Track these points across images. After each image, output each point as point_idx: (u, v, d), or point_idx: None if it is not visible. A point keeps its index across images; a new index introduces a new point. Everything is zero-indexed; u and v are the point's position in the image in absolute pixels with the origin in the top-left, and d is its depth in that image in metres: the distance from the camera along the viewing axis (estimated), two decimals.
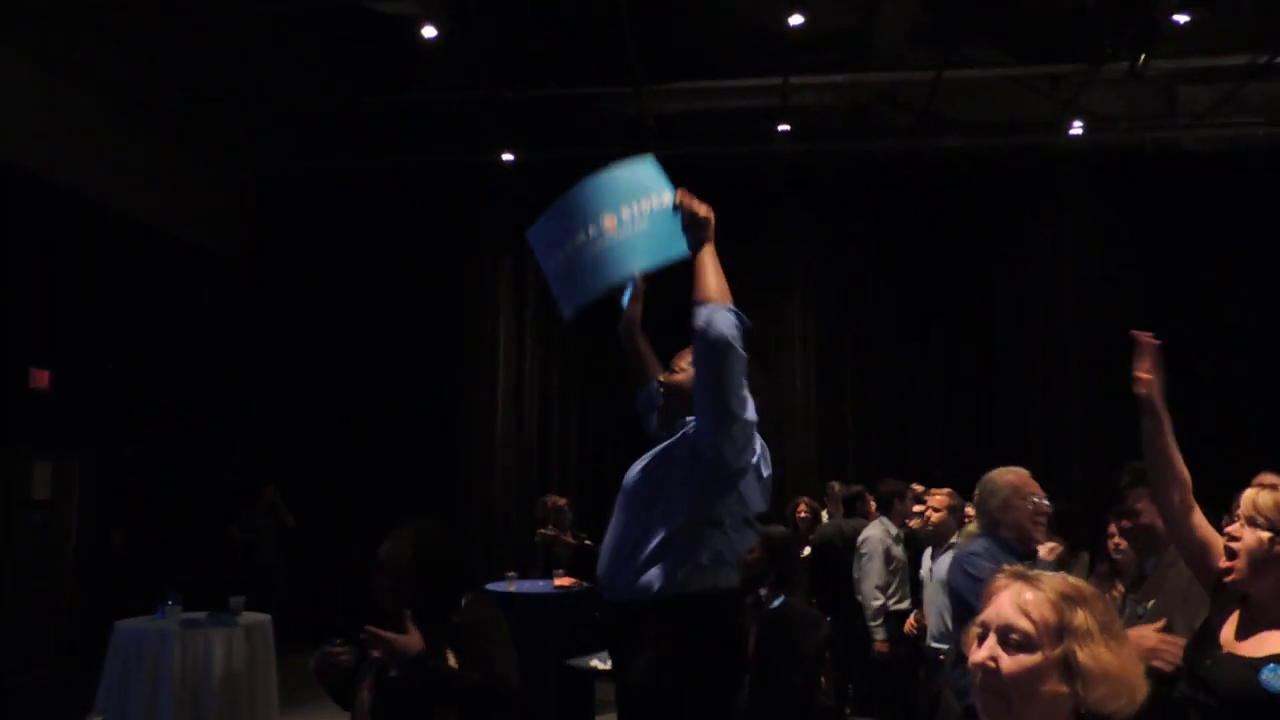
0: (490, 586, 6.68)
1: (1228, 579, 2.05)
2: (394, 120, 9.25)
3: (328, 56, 8.55)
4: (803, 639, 3.57)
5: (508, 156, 9.64)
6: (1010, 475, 3.30)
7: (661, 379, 2.65)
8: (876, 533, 5.93)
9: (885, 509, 5.99)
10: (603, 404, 9.84)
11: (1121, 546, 4.27)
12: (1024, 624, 1.31)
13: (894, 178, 9.57)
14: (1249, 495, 2.06)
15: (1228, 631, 2.04)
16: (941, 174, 9.51)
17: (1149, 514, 2.80)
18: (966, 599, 3.22)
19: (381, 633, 2.41)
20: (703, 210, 2.50)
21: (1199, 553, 2.26)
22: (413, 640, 2.44)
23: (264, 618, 5.41)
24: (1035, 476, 3.35)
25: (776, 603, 3.67)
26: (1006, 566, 1.43)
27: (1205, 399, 8.55)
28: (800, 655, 3.52)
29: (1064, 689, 1.27)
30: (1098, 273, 9.52)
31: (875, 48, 8.31)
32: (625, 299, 2.84)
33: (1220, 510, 2.33)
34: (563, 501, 7.20)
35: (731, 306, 2.34)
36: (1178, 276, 9.22)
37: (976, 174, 9.50)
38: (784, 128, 9.02)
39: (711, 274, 2.43)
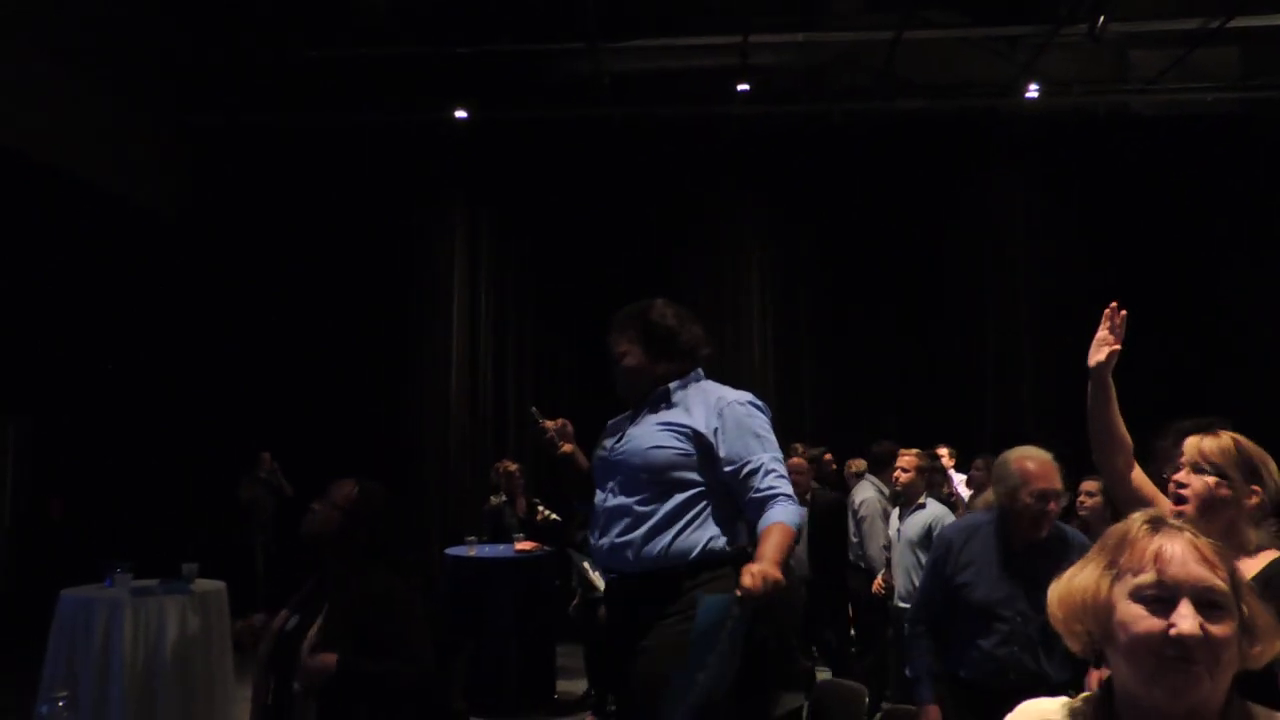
0: (451, 551, 6.60)
1: (1176, 516, 2.07)
2: (344, 75, 8.95)
3: (275, 8, 8.21)
4: (777, 600, 3.54)
5: (461, 114, 9.41)
6: (1028, 463, 2.96)
7: (619, 363, 2.65)
8: (871, 494, 5.81)
9: (879, 470, 5.89)
10: (560, 367, 9.75)
11: (1087, 504, 4.34)
12: (1220, 583, 1.15)
13: (852, 138, 9.55)
14: (1192, 442, 2.13)
15: None
16: (899, 135, 9.51)
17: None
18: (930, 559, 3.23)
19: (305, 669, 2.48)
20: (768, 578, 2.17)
21: (1143, 507, 2.30)
22: (327, 660, 2.48)
23: (218, 585, 5.25)
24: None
25: None
26: (1138, 514, 1.28)
27: (1155, 357, 8.77)
28: (774, 616, 3.48)
29: (1235, 650, 1.15)
30: (1050, 234, 9.63)
31: (834, 8, 8.25)
32: (552, 443, 2.75)
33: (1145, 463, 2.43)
34: (514, 467, 7.11)
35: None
36: (1127, 238, 9.36)
37: (934, 135, 9.52)
38: (743, 88, 8.93)
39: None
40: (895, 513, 5.20)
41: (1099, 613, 1.19)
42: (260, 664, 2.65)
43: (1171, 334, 8.92)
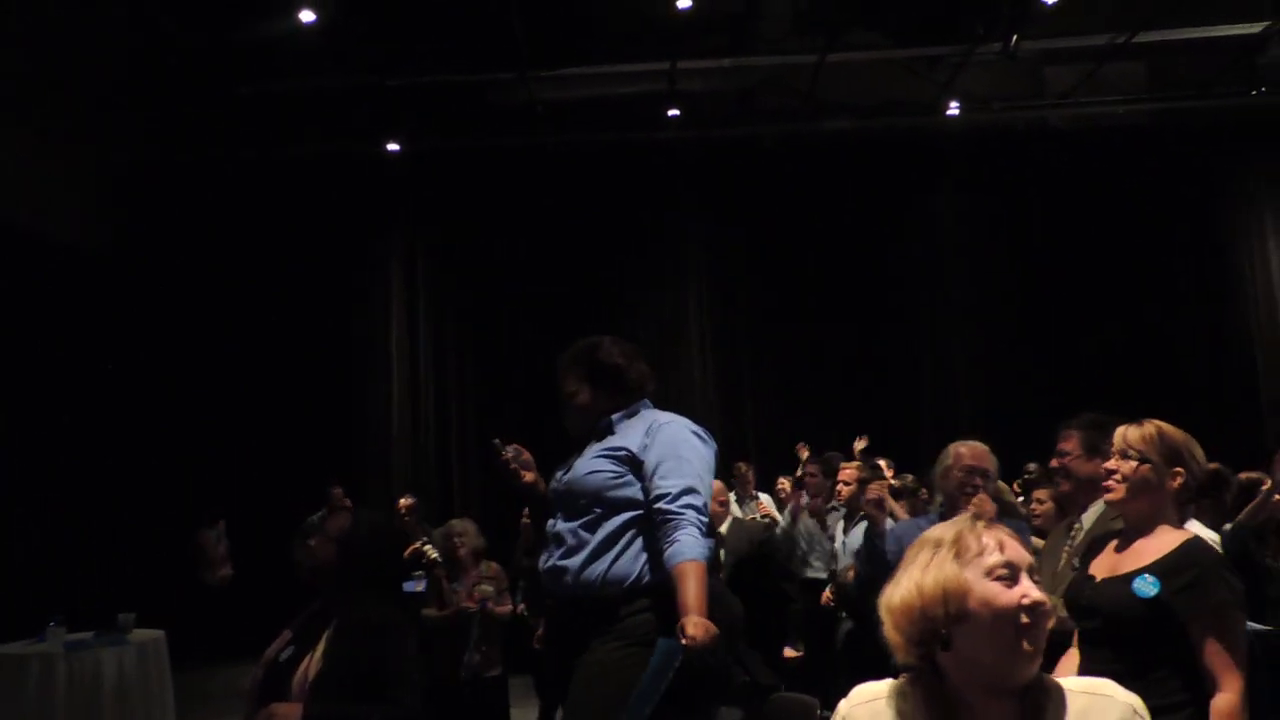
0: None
1: (1108, 497, 2.31)
2: (274, 109, 8.88)
3: (204, 42, 8.11)
4: (716, 619, 3.56)
5: (393, 146, 9.38)
6: (963, 448, 3.25)
7: (570, 402, 2.73)
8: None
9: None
10: (501, 393, 9.69)
11: (1039, 511, 4.42)
12: (1034, 561, 1.38)
13: (782, 160, 9.73)
14: (1120, 432, 2.32)
15: (1099, 566, 2.30)
16: (828, 156, 9.71)
17: (1076, 456, 2.90)
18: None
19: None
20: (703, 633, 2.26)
21: None
22: (290, 713, 2.45)
23: (157, 634, 5.12)
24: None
25: None
26: (962, 517, 1.45)
27: (1077, 358, 9.13)
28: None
29: None
30: (979, 248, 9.90)
31: (761, 32, 8.42)
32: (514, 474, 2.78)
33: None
34: (404, 503, 6.87)
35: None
36: (1050, 249, 9.67)
37: (862, 155, 9.73)
38: (673, 113, 9.06)
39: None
40: (839, 525, 5.28)
41: (957, 598, 1.32)
42: (250, 694, 2.61)
43: (1094, 336, 9.28)
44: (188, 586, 8.47)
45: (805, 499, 5.77)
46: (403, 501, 6.94)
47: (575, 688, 2.39)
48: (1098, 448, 2.74)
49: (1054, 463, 3.00)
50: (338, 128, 9.18)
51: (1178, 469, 2.23)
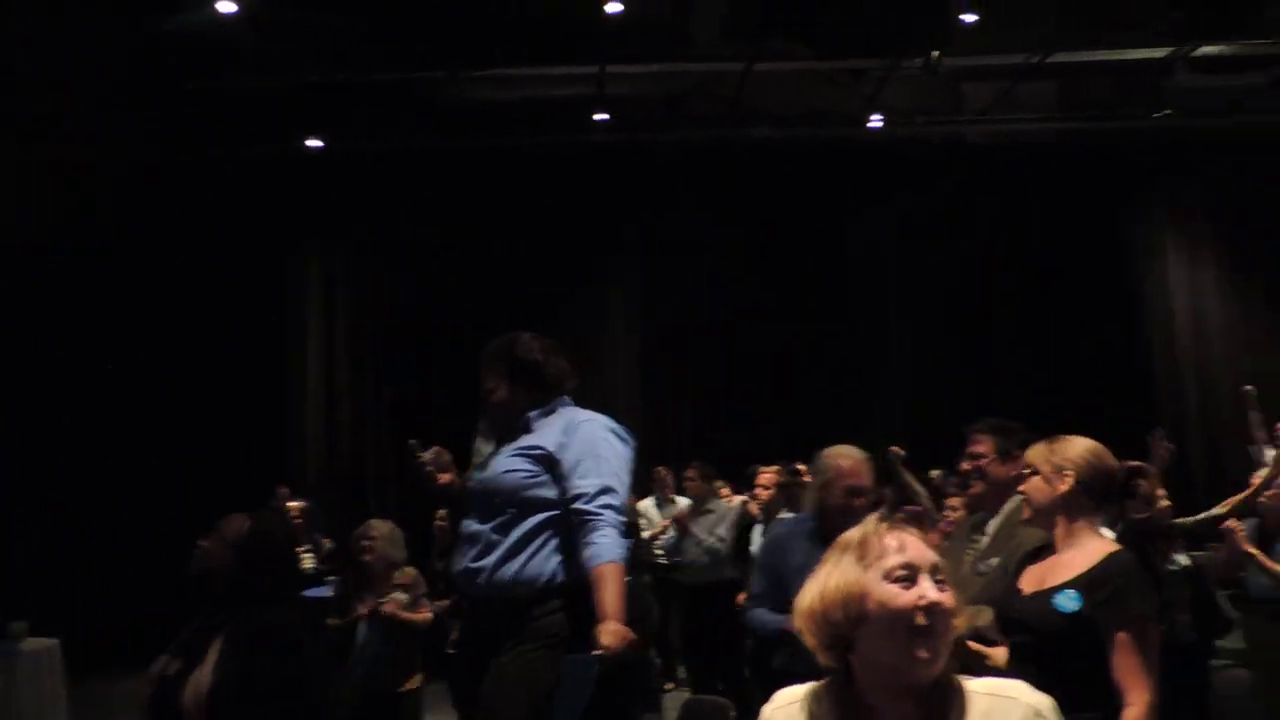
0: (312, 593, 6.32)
1: (1024, 518, 2.38)
2: (191, 106, 8.59)
3: (124, 39, 7.79)
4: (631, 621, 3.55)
5: (316, 143, 9.18)
6: (842, 460, 3.12)
7: (489, 399, 2.70)
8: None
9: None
10: (418, 402, 9.53)
11: (951, 519, 4.48)
12: (942, 562, 1.37)
13: (709, 166, 9.81)
14: (1029, 453, 2.39)
15: (1027, 579, 2.33)
16: (755, 163, 9.82)
17: (990, 459, 2.90)
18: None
19: None
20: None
21: None
22: None
23: (51, 643, 4.91)
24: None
25: None
26: (869, 518, 1.46)
27: (992, 374, 9.38)
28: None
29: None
30: (899, 259, 10.14)
31: (690, 39, 8.47)
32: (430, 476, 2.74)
33: None
34: (292, 506, 6.71)
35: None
36: (968, 262, 9.96)
37: (787, 164, 9.87)
38: (602, 117, 9.05)
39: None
40: (757, 529, 5.32)
41: (856, 601, 1.34)
42: (142, 714, 2.50)
43: (1006, 346, 9.58)
44: (91, 594, 8.12)
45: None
46: (291, 505, 6.66)
47: (486, 696, 2.35)
48: (1010, 452, 2.79)
49: (965, 465, 2.99)
50: (257, 125, 8.93)
51: (1066, 474, 2.27)
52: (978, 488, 2.96)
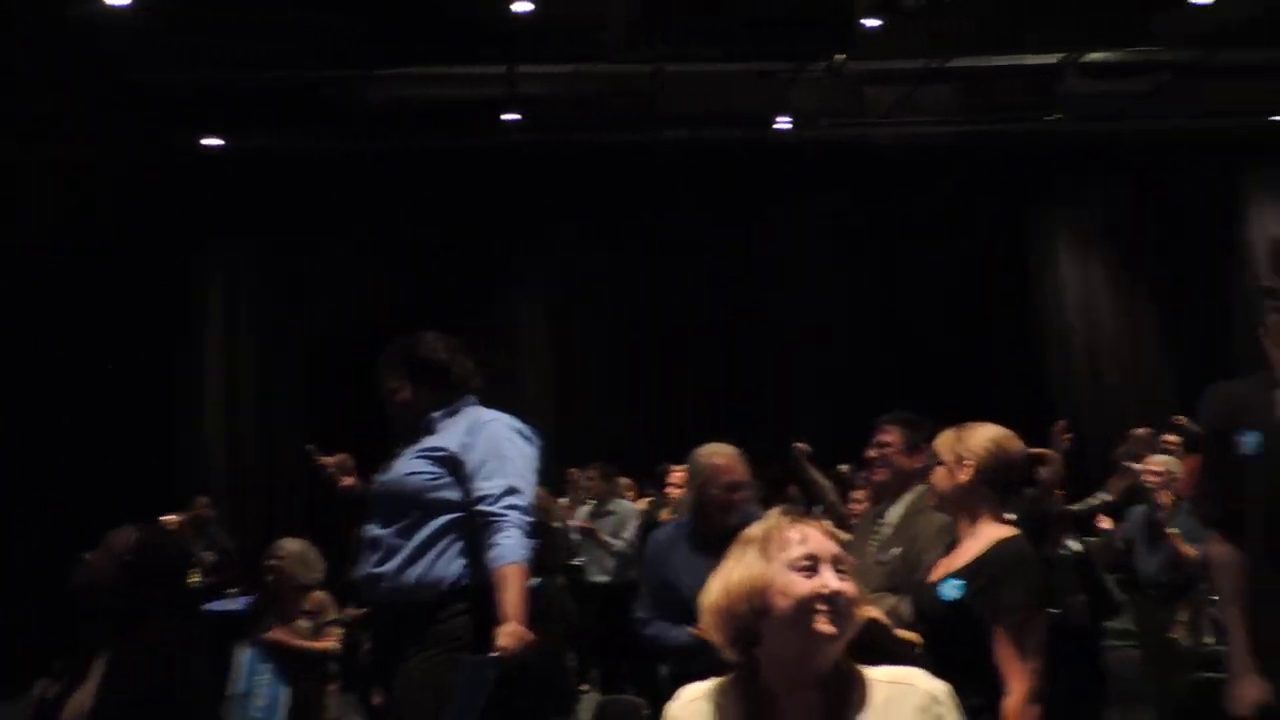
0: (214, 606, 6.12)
1: (929, 504, 2.43)
2: (89, 100, 8.22)
3: (24, 32, 7.39)
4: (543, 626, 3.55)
5: (216, 142, 8.91)
6: (716, 459, 3.10)
7: (392, 400, 2.66)
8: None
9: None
10: (328, 401, 9.34)
11: (856, 511, 4.53)
12: (844, 554, 1.42)
13: (622, 167, 9.84)
14: (936, 441, 2.40)
15: (937, 569, 2.35)
16: (666, 164, 9.89)
17: (897, 449, 2.94)
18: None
19: None
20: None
21: None
22: None
23: None
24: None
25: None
26: (773, 511, 1.51)
27: (902, 371, 9.62)
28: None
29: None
30: (810, 258, 10.33)
31: (601, 39, 8.48)
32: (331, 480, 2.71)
33: None
34: (172, 520, 6.40)
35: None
36: (877, 261, 10.23)
37: (698, 165, 9.97)
38: (513, 117, 8.99)
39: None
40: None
41: (760, 593, 1.38)
42: None
43: (915, 343, 9.83)
44: None
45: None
46: (170, 518, 6.31)
47: (394, 703, 2.34)
48: (917, 445, 2.85)
49: (872, 453, 3.02)
50: (154, 122, 8.61)
51: (966, 463, 2.28)
52: (881, 474, 3.01)
